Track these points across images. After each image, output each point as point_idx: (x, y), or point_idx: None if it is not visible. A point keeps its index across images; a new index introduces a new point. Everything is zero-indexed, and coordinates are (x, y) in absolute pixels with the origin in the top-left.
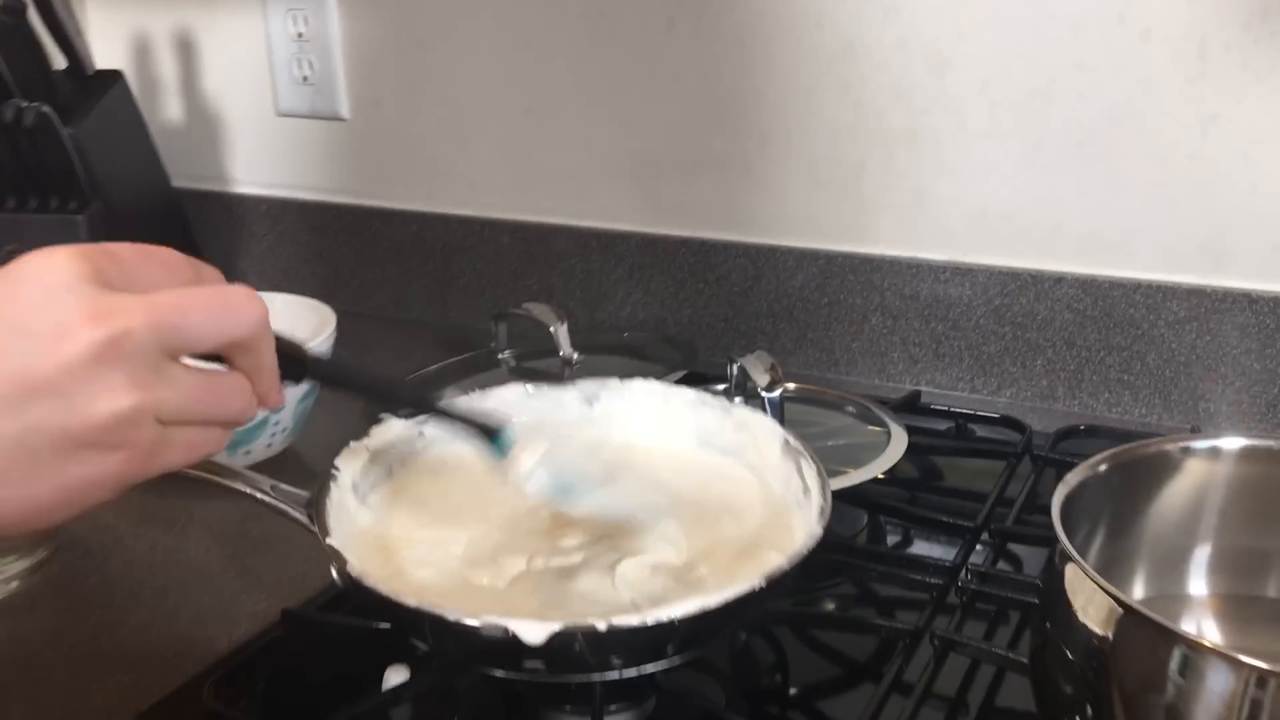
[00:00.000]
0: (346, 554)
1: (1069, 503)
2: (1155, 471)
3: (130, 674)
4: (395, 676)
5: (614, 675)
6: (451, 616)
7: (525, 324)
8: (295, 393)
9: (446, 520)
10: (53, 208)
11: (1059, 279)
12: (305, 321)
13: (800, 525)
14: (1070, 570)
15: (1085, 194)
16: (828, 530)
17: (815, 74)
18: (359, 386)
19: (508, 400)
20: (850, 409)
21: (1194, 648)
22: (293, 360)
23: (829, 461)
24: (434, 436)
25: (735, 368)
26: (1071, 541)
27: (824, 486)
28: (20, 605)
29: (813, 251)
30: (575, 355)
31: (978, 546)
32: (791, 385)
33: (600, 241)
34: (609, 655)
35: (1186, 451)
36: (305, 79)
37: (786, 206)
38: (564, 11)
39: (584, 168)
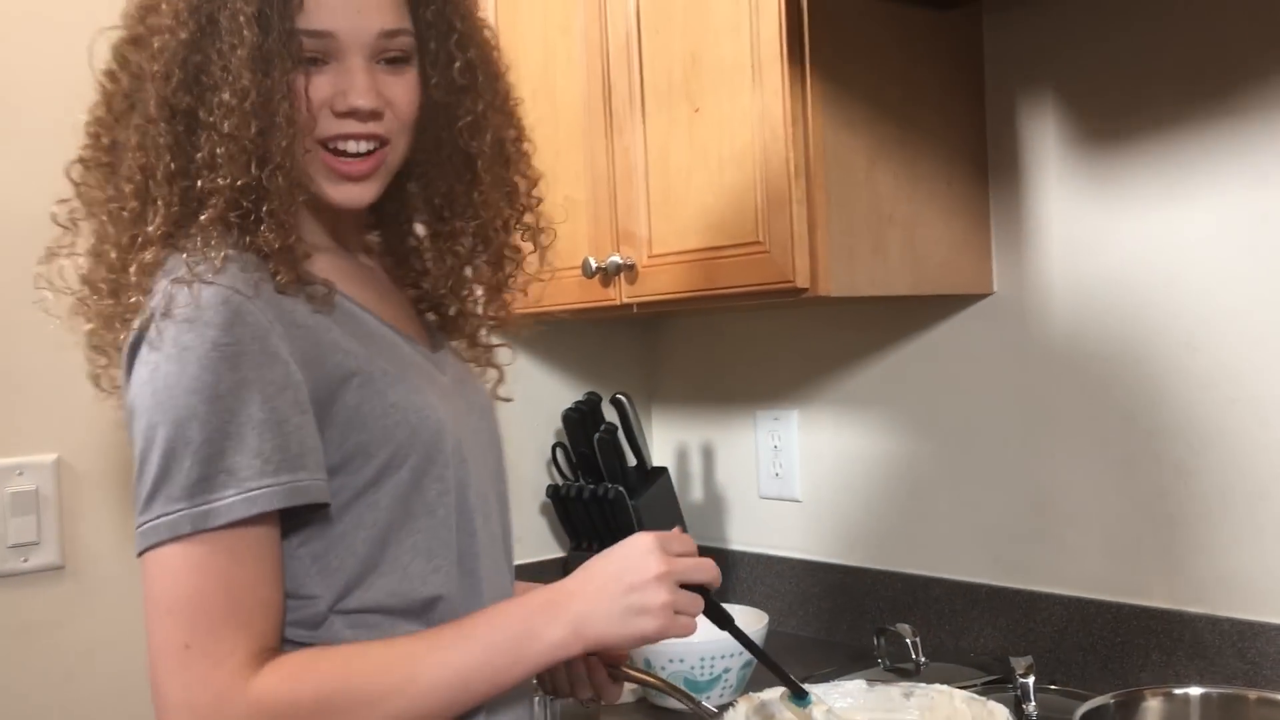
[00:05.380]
0: None
1: None
2: None
3: None
4: None
5: None
6: None
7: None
8: (740, 661)
9: None
10: None
11: None
12: (753, 617)
13: None
14: None
15: None
16: None
17: (1118, 479)
18: (746, 645)
19: (850, 689)
20: None
21: None
22: (724, 614)
23: None
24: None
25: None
26: None
27: None
28: None
29: (1103, 601)
30: (923, 660)
31: None
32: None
33: (961, 589)
34: None
35: None
36: (776, 474)
37: (1091, 567)
38: (939, 439)
39: (952, 537)
